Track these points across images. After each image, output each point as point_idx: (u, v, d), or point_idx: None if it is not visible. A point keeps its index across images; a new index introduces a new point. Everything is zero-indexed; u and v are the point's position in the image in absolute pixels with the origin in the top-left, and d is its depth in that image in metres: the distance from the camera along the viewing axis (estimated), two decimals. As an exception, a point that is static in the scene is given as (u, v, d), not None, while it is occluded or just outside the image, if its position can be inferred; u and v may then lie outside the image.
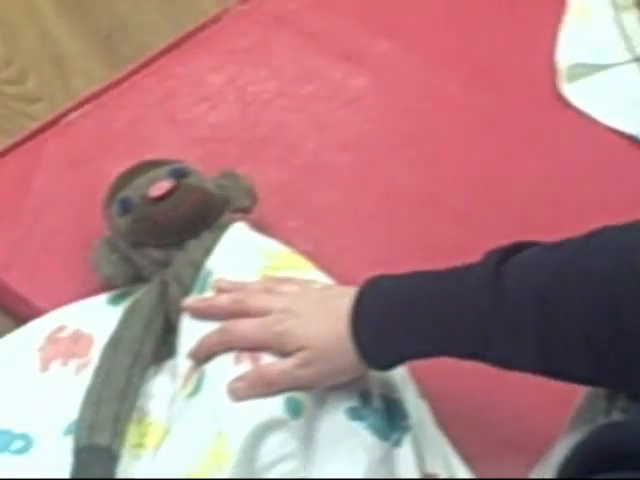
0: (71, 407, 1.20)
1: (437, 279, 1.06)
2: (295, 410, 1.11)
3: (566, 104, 1.51)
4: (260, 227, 1.33)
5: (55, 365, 1.26)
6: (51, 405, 1.23)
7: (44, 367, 1.26)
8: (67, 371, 1.26)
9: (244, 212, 1.34)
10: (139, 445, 1.20)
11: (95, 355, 1.24)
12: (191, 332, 1.20)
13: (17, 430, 1.21)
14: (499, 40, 1.57)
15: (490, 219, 1.34)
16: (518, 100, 1.51)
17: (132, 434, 1.19)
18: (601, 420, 0.96)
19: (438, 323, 1.04)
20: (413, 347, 1.09)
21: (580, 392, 1.02)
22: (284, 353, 1.13)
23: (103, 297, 1.32)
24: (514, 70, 1.54)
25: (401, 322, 1.08)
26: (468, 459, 1.19)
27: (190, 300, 1.22)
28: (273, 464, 1.10)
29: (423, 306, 1.06)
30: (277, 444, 1.10)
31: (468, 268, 1.02)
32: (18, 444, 1.20)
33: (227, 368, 1.14)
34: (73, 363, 1.26)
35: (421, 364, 1.16)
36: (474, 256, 1.01)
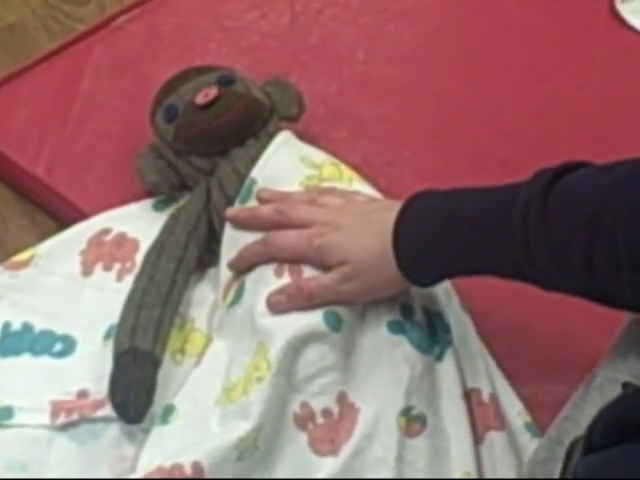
0: (112, 312, 1.19)
1: (484, 196, 1.03)
2: (335, 323, 1.11)
3: (621, 22, 1.47)
4: (306, 137, 1.31)
5: (97, 269, 1.25)
6: (92, 309, 1.23)
7: (86, 271, 1.26)
8: (109, 277, 1.25)
9: (291, 121, 1.32)
10: (181, 351, 1.20)
11: (139, 260, 1.24)
12: (233, 242, 1.19)
13: (59, 332, 1.21)
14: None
15: (541, 137, 1.32)
16: (574, 16, 1.50)
17: (174, 340, 1.19)
18: None
19: (484, 240, 1.02)
20: (456, 264, 1.08)
21: (624, 317, 0.99)
22: (325, 267, 1.12)
23: (148, 203, 1.31)
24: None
25: (445, 238, 1.06)
26: (510, 376, 1.18)
27: (233, 209, 1.21)
28: (313, 377, 1.10)
29: (469, 223, 1.03)
30: (317, 357, 1.10)
31: (517, 187, 0.98)
32: (59, 346, 1.20)
33: (267, 280, 1.14)
34: (115, 268, 1.26)
35: (465, 280, 1.14)
36: (523, 173, 0.98)
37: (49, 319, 1.21)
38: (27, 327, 1.20)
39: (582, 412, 0.96)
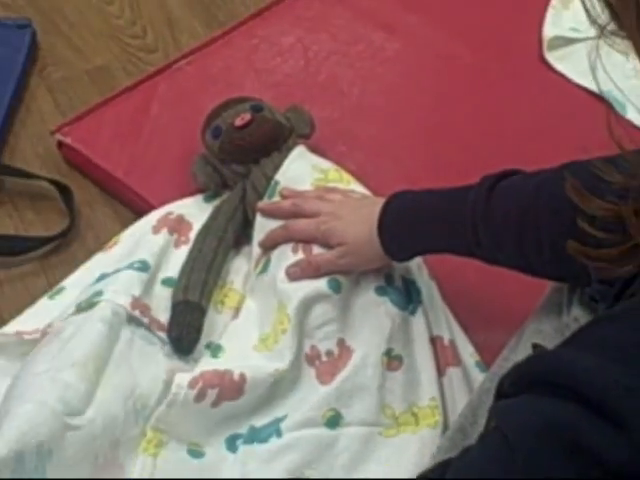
0: (167, 266, 1.22)
1: (445, 195, 1.05)
2: (335, 288, 1.13)
3: (548, 67, 1.47)
4: (316, 150, 1.31)
5: (163, 231, 1.24)
6: (154, 256, 1.21)
7: (156, 231, 1.24)
8: (170, 240, 1.24)
9: (305, 138, 1.32)
10: (221, 303, 1.22)
11: (192, 237, 1.25)
12: (261, 227, 1.22)
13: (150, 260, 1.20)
14: (502, 17, 1.53)
15: (487, 151, 1.32)
16: (513, 62, 1.47)
17: (216, 295, 1.21)
18: (564, 312, 0.96)
19: (444, 229, 1.04)
20: (424, 246, 1.11)
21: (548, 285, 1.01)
22: (328, 246, 1.14)
23: (200, 197, 1.30)
24: (512, 40, 1.50)
25: (416, 227, 1.08)
26: (464, 327, 1.19)
27: (262, 203, 1.23)
28: (319, 326, 1.12)
29: (433, 215, 1.06)
30: (322, 312, 1.12)
31: (469, 188, 1.01)
32: (137, 264, 1.18)
33: (286, 256, 1.17)
34: (175, 236, 1.25)
35: (431, 255, 1.17)
36: (475, 177, 1.01)
37: (134, 254, 1.20)
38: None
39: (515, 355, 0.98)
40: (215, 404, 1.06)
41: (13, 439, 0.94)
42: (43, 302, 1.20)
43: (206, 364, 1.10)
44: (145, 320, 1.14)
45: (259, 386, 1.08)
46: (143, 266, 1.19)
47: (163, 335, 1.15)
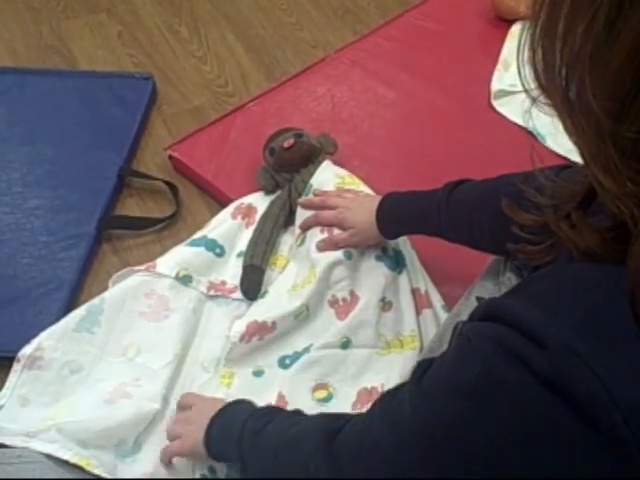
0: (242, 241, 1.21)
1: (421, 196, 1.03)
2: (348, 256, 1.12)
3: (494, 110, 1.44)
4: (338, 163, 1.29)
5: (238, 217, 1.23)
6: (233, 236, 1.21)
7: (233, 216, 1.23)
8: (242, 223, 1.23)
9: (331, 155, 1.30)
10: (273, 264, 1.20)
11: (256, 219, 1.23)
12: (301, 215, 1.19)
13: (220, 242, 1.19)
14: (464, 76, 1.51)
15: (454, 165, 1.29)
16: (471, 107, 1.44)
17: (271, 260, 1.19)
18: (500, 274, 0.94)
19: (418, 218, 1.02)
20: (405, 229, 1.10)
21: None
22: (343, 229, 1.12)
23: (262, 193, 1.27)
24: (471, 91, 1.47)
25: (400, 218, 1.07)
26: (435, 281, 1.17)
27: (301, 199, 1.21)
28: (337, 282, 1.11)
29: (411, 209, 1.04)
30: (339, 272, 1.11)
31: (436, 190, 0.99)
32: (218, 250, 1.19)
33: (316, 235, 1.15)
34: (245, 220, 1.23)
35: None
36: (444, 182, 1.00)
37: (222, 238, 1.19)
38: (207, 238, 1.18)
39: (467, 302, 0.97)
40: (260, 339, 1.06)
41: None
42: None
43: (253, 310, 1.11)
44: (219, 293, 1.15)
45: (285, 323, 1.07)
46: (221, 251, 1.19)
47: (236, 295, 1.15)
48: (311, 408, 0.96)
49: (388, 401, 0.62)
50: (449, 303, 1.11)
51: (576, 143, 0.49)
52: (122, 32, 1.66)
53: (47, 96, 1.47)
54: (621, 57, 0.41)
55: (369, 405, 0.65)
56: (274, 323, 1.07)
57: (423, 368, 0.57)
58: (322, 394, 1.03)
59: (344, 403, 1.02)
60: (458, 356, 0.52)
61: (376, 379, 1.03)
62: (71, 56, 1.60)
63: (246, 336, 1.05)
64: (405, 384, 0.59)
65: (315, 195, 1.20)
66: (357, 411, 1.00)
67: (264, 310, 1.09)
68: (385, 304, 1.11)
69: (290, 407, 0.97)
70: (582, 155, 0.49)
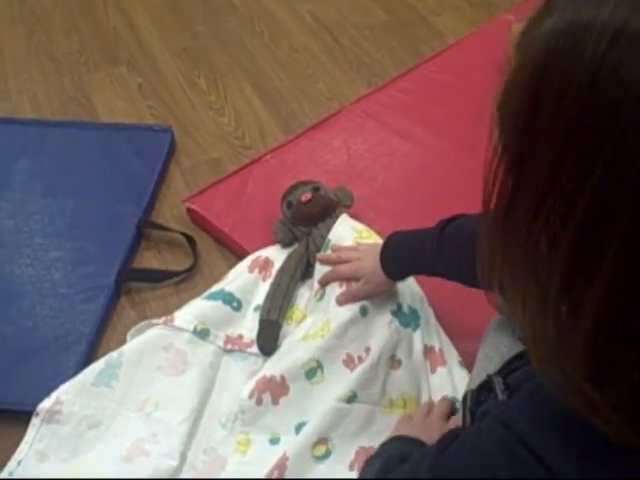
0: (259, 294, 1.21)
1: (417, 234, 1.03)
2: (364, 313, 1.11)
3: None
4: (354, 216, 1.29)
5: (255, 270, 1.23)
6: (250, 290, 1.22)
7: (250, 269, 1.23)
8: (259, 277, 1.23)
9: (347, 208, 1.31)
10: (290, 318, 1.19)
11: (273, 273, 1.23)
12: (319, 270, 1.19)
13: (237, 295, 1.20)
14: (480, 130, 1.51)
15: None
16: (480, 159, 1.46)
17: (287, 314, 1.19)
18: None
19: (415, 256, 1.03)
20: (406, 269, 1.09)
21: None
22: (358, 280, 1.12)
23: (279, 246, 1.27)
24: (479, 143, 1.49)
25: (400, 257, 1.07)
26: (450, 336, 1.16)
27: (319, 255, 1.21)
28: (352, 340, 1.09)
29: (409, 249, 1.04)
30: (355, 330, 1.10)
31: (430, 229, 0.99)
32: (235, 304, 1.19)
33: (335, 289, 1.14)
34: (262, 273, 1.23)
35: (431, 291, 1.16)
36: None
37: (239, 292, 1.20)
38: (224, 292, 1.18)
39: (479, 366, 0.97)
40: (275, 402, 1.04)
41: None
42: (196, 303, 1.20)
43: (266, 365, 1.10)
44: (236, 347, 1.15)
45: (296, 379, 1.06)
46: (238, 305, 1.19)
47: (252, 350, 1.15)
48: (310, 465, 0.96)
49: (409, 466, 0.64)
50: (467, 358, 1.10)
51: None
52: (142, 84, 1.70)
53: (68, 148, 1.51)
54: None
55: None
56: (282, 377, 1.05)
57: (450, 439, 0.59)
58: (321, 450, 1.01)
59: (342, 461, 1.00)
60: (475, 444, 0.56)
61: (374, 439, 1.00)
62: (92, 108, 1.64)
63: (256, 392, 1.04)
64: (425, 449, 0.61)
65: (332, 251, 1.20)
66: (354, 472, 0.99)
67: (273, 363, 1.09)
68: (395, 362, 1.09)
69: (290, 462, 0.97)
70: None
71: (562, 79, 0.43)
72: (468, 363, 1.08)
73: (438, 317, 1.17)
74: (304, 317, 1.18)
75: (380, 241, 1.22)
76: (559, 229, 0.44)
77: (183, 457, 1.02)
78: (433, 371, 1.11)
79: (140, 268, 1.31)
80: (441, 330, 1.16)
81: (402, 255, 1.06)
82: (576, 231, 0.43)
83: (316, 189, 1.30)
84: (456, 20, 1.88)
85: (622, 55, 0.40)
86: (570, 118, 0.42)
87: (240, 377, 1.12)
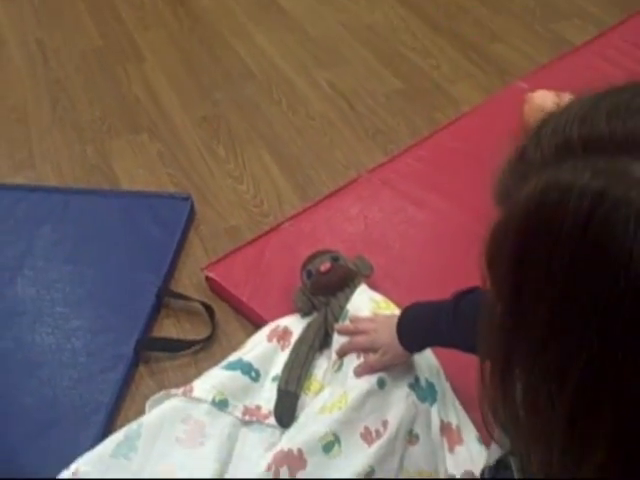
0: (275, 366, 1.21)
1: (433, 308, 1.05)
2: (382, 385, 1.12)
3: None
4: (371, 285, 1.31)
5: (274, 340, 1.24)
6: (268, 361, 1.22)
7: (269, 339, 1.24)
8: (277, 346, 1.24)
9: (366, 277, 1.32)
10: (307, 389, 1.20)
11: (292, 342, 1.24)
12: (337, 341, 1.20)
13: (255, 366, 1.21)
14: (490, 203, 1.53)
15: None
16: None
17: (305, 384, 1.19)
18: None
19: (431, 329, 1.04)
20: (423, 341, 1.11)
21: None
22: (375, 351, 1.13)
23: (298, 315, 1.29)
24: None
25: (415, 329, 1.09)
26: (467, 410, 1.16)
27: (337, 325, 1.22)
28: (370, 413, 1.09)
29: (425, 321, 1.06)
30: (371, 403, 1.10)
31: (445, 302, 1.01)
32: (254, 374, 1.19)
33: (352, 360, 1.15)
34: (281, 342, 1.24)
35: (448, 362, 1.16)
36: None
37: (257, 362, 1.20)
38: (242, 362, 1.19)
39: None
40: (292, 476, 1.04)
41: None
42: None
43: (283, 437, 1.10)
44: (254, 419, 1.16)
45: (313, 454, 1.05)
46: (256, 375, 1.20)
47: (270, 422, 1.15)
48: None
49: None
50: (485, 432, 1.10)
51: None
52: (162, 151, 1.74)
53: (90, 215, 1.54)
54: None
55: None
56: (300, 451, 1.05)
57: None
58: None
59: None
60: None
61: None
62: (113, 175, 1.68)
63: (273, 466, 1.03)
64: None
65: (350, 321, 1.21)
66: None
67: (291, 436, 1.09)
68: (412, 437, 1.09)
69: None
70: None
71: (548, 235, 0.44)
72: (485, 436, 1.07)
73: (454, 389, 1.17)
74: (322, 388, 1.18)
75: (398, 312, 1.24)
76: (556, 388, 0.44)
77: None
78: (451, 450, 1.10)
79: (159, 337, 1.32)
80: (458, 404, 1.16)
81: (418, 327, 1.07)
82: (573, 391, 0.44)
83: (335, 259, 1.31)
84: (470, 88, 1.92)
85: (606, 216, 0.41)
86: (562, 277, 0.43)
87: (258, 450, 1.12)
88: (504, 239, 0.48)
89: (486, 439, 1.07)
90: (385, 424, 1.08)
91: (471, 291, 0.99)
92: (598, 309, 0.42)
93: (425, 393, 1.14)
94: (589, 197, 0.42)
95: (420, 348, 1.13)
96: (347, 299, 1.25)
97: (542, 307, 0.45)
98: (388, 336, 1.10)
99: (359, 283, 1.29)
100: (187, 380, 1.20)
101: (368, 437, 1.07)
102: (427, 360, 1.17)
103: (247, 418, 1.15)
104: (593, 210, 0.41)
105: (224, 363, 1.22)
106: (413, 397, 1.12)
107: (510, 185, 0.49)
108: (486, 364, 0.52)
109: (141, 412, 1.16)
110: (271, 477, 1.03)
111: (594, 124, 0.45)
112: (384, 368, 1.12)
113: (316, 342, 1.23)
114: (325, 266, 1.29)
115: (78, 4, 2.36)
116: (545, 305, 0.45)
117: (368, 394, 1.09)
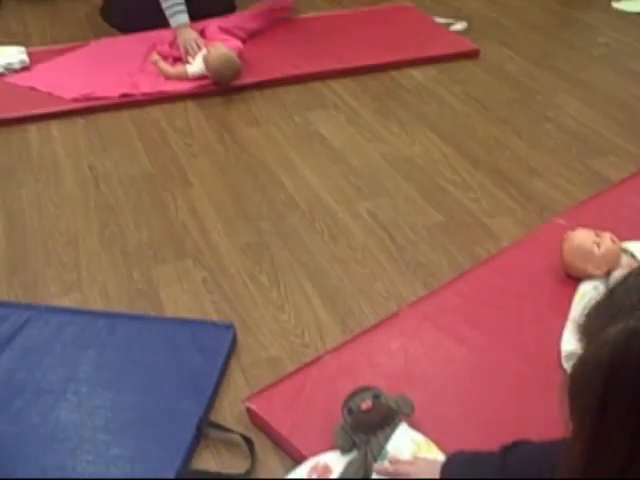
0: None
1: (479, 462, 1.07)
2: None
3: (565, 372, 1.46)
4: (413, 424, 1.30)
5: (314, 476, 1.25)
6: None
7: (309, 475, 1.25)
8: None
9: (407, 416, 1.32)
10: None
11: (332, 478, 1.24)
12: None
13: None
14: (536, 336, 1.55)
15: (519, 428, 1.25)
16: (542, 368, 1.46)
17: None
18: None
19: None
20: None
21: None
22: None
23: (338, 451, 1.28)
24: (542, 352, 1.49)
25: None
26: None
27: (377, 465, 1.24)
28: None
29: (471, 473, 1.07)
30: None
31: (493, 454, 1.04)
32: None
33: None
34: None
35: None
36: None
37: None
38: None
39: None
40: None
41: None
42: None
43: None
44: None
45: None
46: None
47: None
48: None
49: None
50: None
51: None
52: (207, 278, 1.80)
53: (134, 340, 1.58)
54: None
55: None
56: None
57: None
58: None
59: None
60: None
61: None
62: (158, 300, 1.73)
63: None
64: None
65: (390, 462, 1.22)
66: None
67: None
68: None
69: None
70: None
71: (635, 370, 0.49)
72: None
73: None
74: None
75: (439, 455, 1.24)
76: None
77: None
78: None
79: (198, 470, 1.33)
80: None
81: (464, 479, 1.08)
82: None
83: (377, 396, 1.32)
84: (510, 223, 1.98)
85: None
86: None
87: None
88: (593, 371, 0.54)
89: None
90: None
91: (516, 444, 1.01)
92: None
93: None
94: None
95: None
96: (387, 438, 1.26)
97: (624, 435, 0.51)
98: None
99: (400, 422, 1.30)
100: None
101: None
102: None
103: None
104: None
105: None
106: None
107: (597, 324, 0.57)
108: None
109: None
110: None
111: None
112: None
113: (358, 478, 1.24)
114: (367, 404, 1.30)
115: (130, 130, 2.50)
116: (628, 433, 0.51)
117: None
